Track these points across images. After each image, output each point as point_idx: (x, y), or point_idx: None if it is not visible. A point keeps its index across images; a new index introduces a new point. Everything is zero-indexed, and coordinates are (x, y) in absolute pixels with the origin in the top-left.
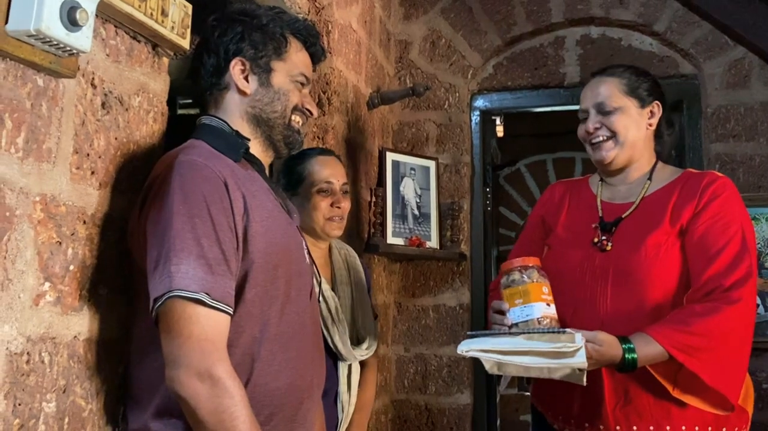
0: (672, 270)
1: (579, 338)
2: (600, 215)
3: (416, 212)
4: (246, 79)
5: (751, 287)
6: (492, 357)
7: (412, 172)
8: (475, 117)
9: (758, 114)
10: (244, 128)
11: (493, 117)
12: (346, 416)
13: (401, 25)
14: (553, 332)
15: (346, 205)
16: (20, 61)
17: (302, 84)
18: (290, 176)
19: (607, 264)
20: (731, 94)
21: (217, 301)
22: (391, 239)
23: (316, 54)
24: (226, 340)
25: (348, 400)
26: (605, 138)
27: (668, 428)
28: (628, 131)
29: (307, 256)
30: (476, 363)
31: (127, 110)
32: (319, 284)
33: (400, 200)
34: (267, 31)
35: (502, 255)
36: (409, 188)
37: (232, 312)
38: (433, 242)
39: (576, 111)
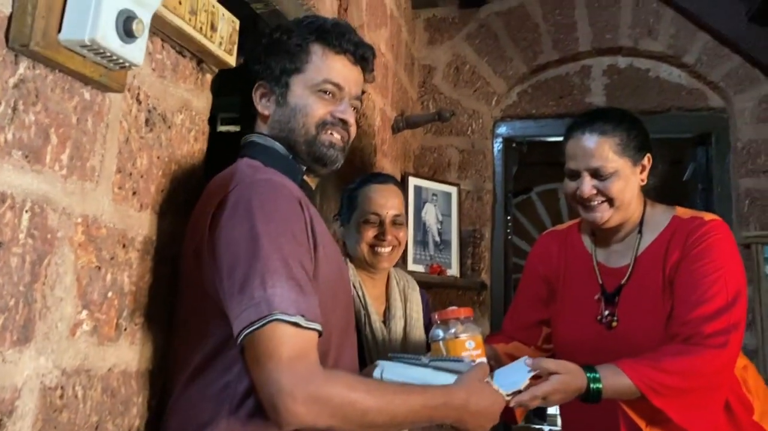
0: None
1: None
2: (600, 282)
3: (437, 238)
4: (267, 101)
5: (737, 337)
6: None
7: (434, 198)
8: (498, 144)
9: None
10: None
11: (515, 144)
12: None
13: (425, 50)
14: (462, 361)
15: (396, 236)
16: (70, 72)
17: (330, 93)
18: (347, 205)
19: (616, 344)
20: (762, 129)
21: (311, 321)
22: (411, 266)
23: (353, 52)
24: (318, 357)
25: None
26: (601, 202)
27: None
28: (624, 194)
29: (351, 287)
30: None
31: (169, 127)
32: (365, 317)
33: (421, 226)
34: (283, 47)
35: (514, 284)
36: (430, 214)
37: (321, 329)
38: (453, 270)
39: None
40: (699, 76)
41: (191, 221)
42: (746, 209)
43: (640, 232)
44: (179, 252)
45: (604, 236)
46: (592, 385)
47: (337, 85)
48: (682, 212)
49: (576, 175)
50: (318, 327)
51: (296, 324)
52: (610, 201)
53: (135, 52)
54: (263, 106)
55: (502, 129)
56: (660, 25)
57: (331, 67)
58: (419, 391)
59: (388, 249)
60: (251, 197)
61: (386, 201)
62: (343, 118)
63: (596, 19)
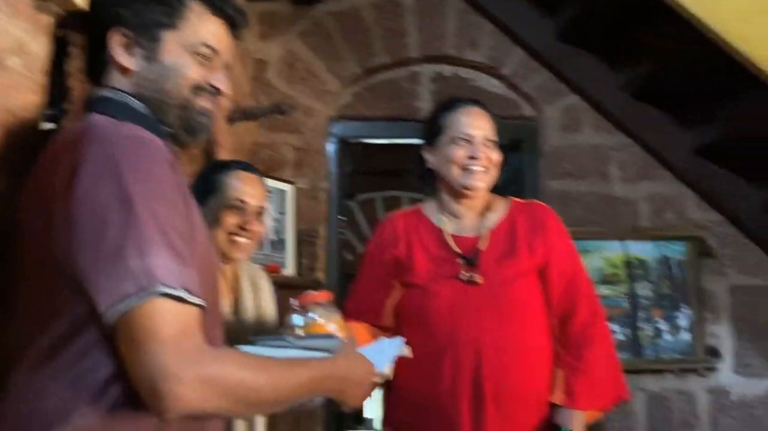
0: (539, 297)
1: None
2: (456, 249)
3: (273, 237)
4: (131, 53)
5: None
6: None
7: (270, 195)
8: (333, 144)
9: (589, 155)
10: None
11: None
12: None
13: (258, 44)
14: (333, 337)
15: (258, 229)
16: None
17: (206, 57)
18: (203, 185)
19: (482, 298)
20: (566, 137)
21: (194, 296)
22: None
23: (231, 18)
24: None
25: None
26: (483, 168)
27: None
28: (498, 166)
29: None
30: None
31: (4, 70)
32: None
33: None
34: None
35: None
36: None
37: (204, 304)
38: (289, 269)
39: (417, 146)
40: (514, 86)
41: (32, 185)
42: (555, 209)
43: (488, 209)
44: (12, 220)
45: (456, 212)
46: None
47: (213, 49)
48: (516, 200)
49: (469, 140)
50: (201, 302)
51: (180, 299)
52: (490, 170)
53: None
54: (125, 58)
55: (337, 129)
56: (481, 38)
57: (208, 29)
58: (304, 364)
59: (246, 241)
60: (116, 153)
61: (254, 191)
62: (218, 86)
63: (424, 27)
